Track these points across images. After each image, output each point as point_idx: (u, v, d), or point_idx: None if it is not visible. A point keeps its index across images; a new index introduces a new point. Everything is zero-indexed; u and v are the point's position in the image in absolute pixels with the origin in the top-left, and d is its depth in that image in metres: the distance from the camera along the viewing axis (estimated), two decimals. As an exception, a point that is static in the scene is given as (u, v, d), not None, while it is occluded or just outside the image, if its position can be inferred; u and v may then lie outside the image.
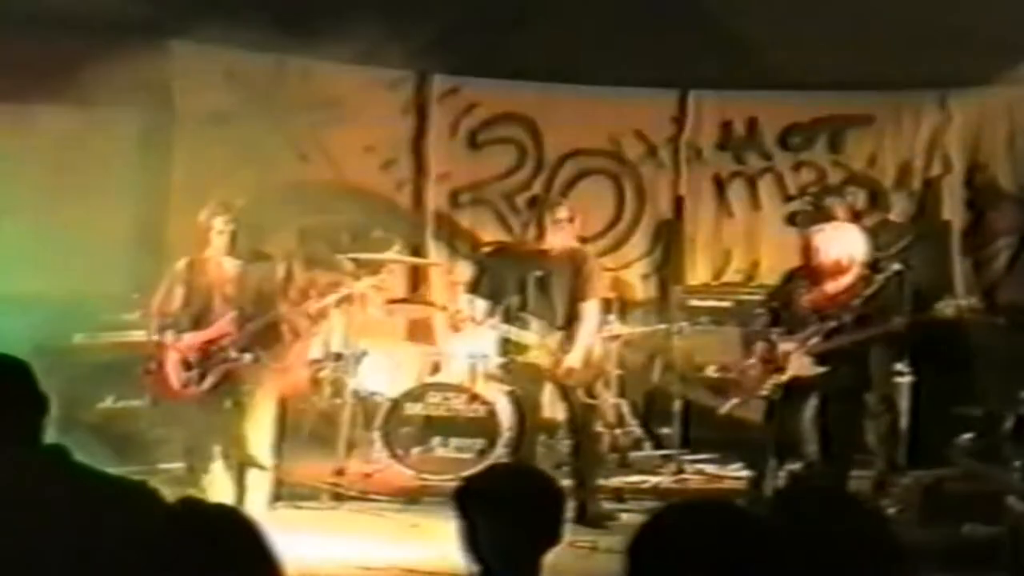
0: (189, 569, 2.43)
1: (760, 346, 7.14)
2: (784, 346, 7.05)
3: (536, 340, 7.42)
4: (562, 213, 7.52)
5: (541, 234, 7.44)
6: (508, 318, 7.45)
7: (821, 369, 6.97)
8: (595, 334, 7.56)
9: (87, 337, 7.89)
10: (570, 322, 7.44)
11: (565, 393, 7.55)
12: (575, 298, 7.45)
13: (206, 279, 7.00)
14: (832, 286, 7.09)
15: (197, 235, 7.02)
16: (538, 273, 7.41)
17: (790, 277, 7.35)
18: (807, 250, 7.14)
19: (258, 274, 7.02)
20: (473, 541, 3.12)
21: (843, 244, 7.12)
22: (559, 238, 7.44)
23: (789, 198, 9.76)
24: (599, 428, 7.89)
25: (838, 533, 2.62)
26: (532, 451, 7.59)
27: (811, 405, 7.16)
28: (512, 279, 7.50)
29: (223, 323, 6.95)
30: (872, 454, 8.25)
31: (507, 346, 7.59)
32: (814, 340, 6.99)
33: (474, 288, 7.67)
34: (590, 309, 7.49)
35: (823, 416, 7.14)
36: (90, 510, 2.97)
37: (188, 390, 6.93)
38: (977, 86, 9.30)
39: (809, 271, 7.15)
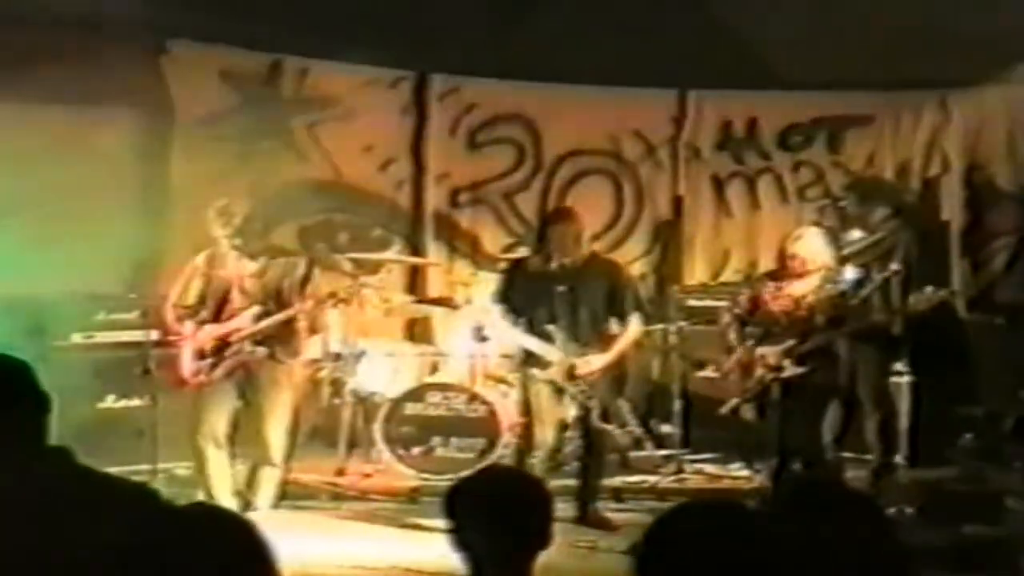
0: (189, 572, 2.43)
1: (740, 351, 7.21)
2: (761, 350, 7.14)
3: (557, 353, 7.26)
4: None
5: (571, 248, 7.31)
6: (533, 330, 7.31)
7: (801, 369, 7.06)
8: (629, 345, 7.51)
9: (87, 337, 7.89)
10: (601, 334, 7.35)
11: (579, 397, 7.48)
12: (611, 310, 7.35)
13: (225, 273, 7.07)
14: (799, 288, 7.20)
15: (208, 230, 7.07)
16: (561, 288, 7.23)
17: (749, 281, 7.49)
18: (782, 255, 7.34)
19: (278, 270, 7.07)
20: (463, 544, 3.11)
21: (811, 247, 7.31)
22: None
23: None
24: (610, 430, 7.82)
25: (846, 532, 2.62)
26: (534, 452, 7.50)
27: (798, 405, 7.21)
28: (539, 292, 7.31)
29: (243, 318, 7.01)
30: (871, 453, 8.28)
31: (529, 357, 7.40)
32: (790, 342, 7.06)
33: (501, 299, 7.52)
34: (633, 322, 7.41)
35: (807, 415, 7.20)
36: (93, 512, 2.97)
37: (198, 378, 6.98)
38: (977, 86, 9.30)
39: (776, 275, 7.32)
